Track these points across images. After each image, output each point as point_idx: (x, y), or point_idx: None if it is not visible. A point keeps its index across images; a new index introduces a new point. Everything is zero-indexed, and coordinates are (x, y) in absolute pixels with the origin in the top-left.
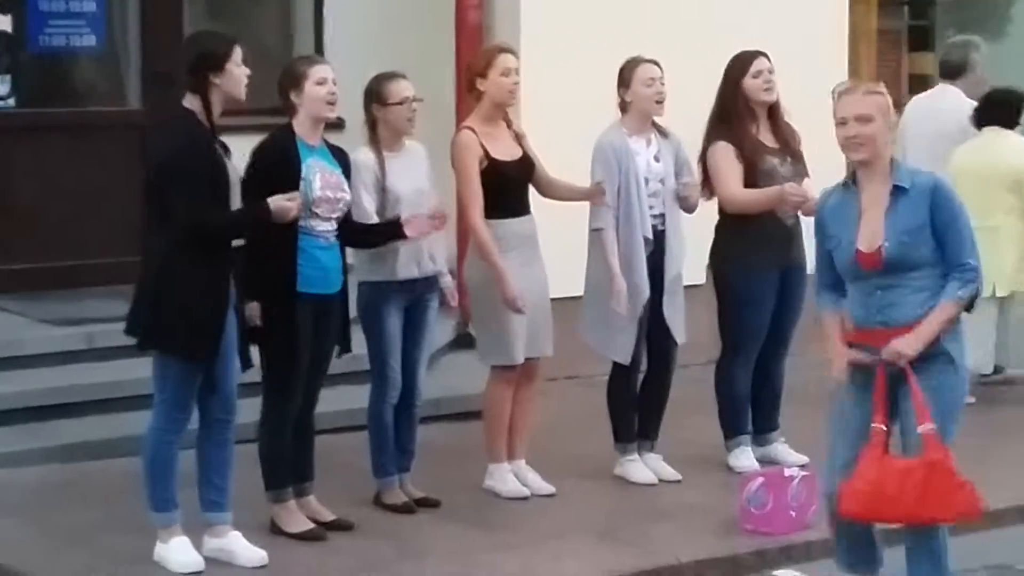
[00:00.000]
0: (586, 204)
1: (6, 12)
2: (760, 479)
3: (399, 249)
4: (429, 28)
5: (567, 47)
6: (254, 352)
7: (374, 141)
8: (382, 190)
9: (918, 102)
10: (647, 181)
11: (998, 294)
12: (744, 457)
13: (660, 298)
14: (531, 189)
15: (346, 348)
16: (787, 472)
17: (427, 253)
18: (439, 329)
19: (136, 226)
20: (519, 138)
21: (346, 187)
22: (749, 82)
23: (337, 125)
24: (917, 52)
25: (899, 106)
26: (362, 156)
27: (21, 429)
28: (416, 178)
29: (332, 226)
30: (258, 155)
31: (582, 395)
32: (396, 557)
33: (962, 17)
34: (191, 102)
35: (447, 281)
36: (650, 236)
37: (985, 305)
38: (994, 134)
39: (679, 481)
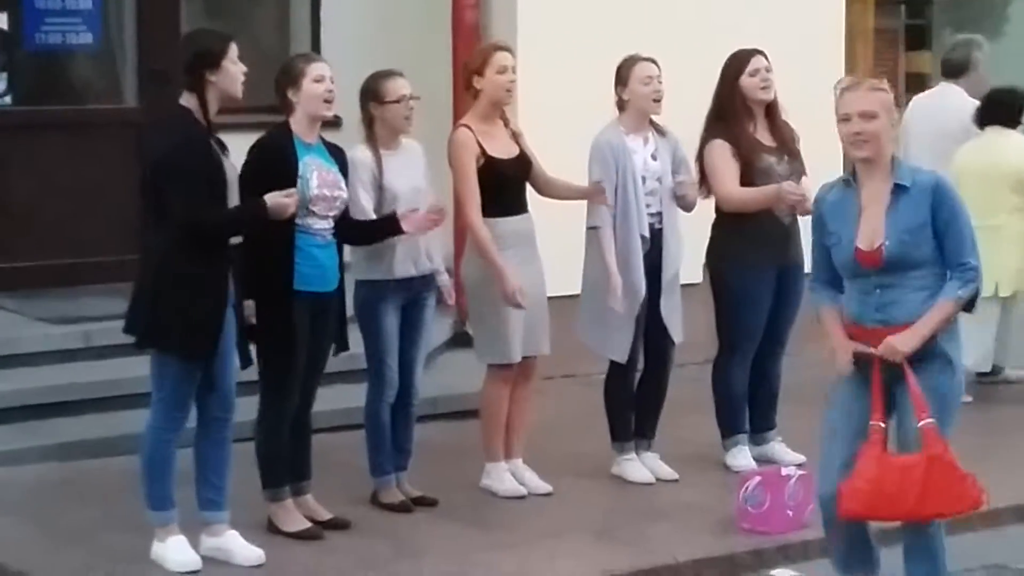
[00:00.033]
0: (583, 203)
1: (2, 10)
2: (757, 478)
3: (396, 247)
4: (426, 27)
5: (564, 46)
6: (253, 350)
7: (371, 139)
8: (379, 188)
9: (920, 101)
10: (644, 180)
11: (1001, 294)
12: (741, 456)
13: (657, 297)
14: (529, 188)
15: (343, 347)
16: (784, 471)
17: (424, 251)
18: (436, 328)
19: (133, 224)
20: (516, 136)
21: (343, 185)
22: (746, 81)
23: (334, 123)
24: (914, 51)
25: (897, 105)
26: (359, 154)
27: (19, 427)
28: (413, 176)
29: (329, 224)
30: (255, 153)
31: (579, 394)
32: (393, 556)
33: (959, 16)
34: (188, 100)
35: (444, 279)
36: (647, 235)
37: (987, 304)
38: (996, 134)
39: (676, 480)
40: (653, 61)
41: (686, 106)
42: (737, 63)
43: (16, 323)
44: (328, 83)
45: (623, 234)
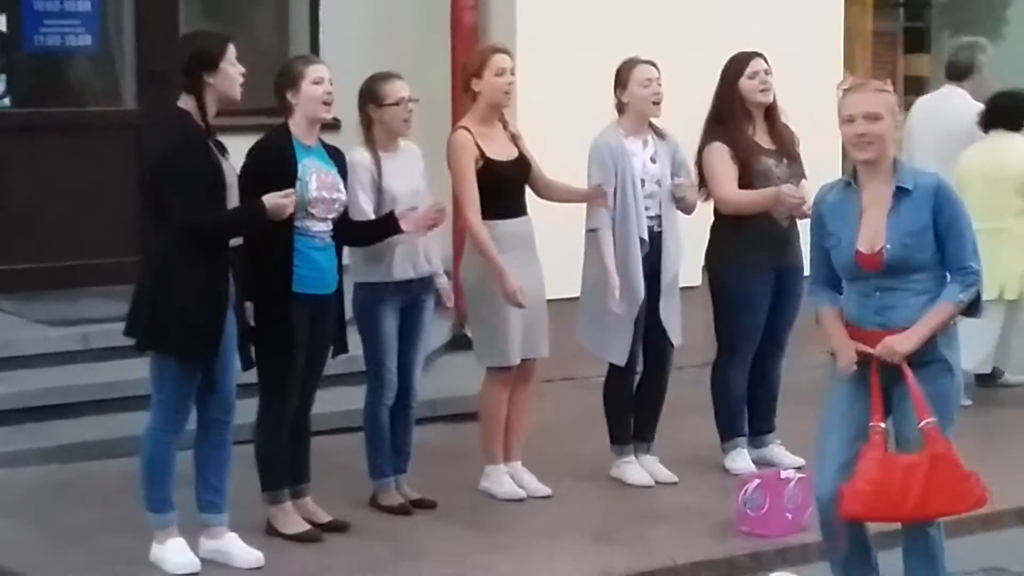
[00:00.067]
0: (583, 206)
1: (1, 11)
2: (756, 481)
3: (395, 250)
4: (424, 29)
5: (563, 48)
6: (253, 352)
7: (370, 141)
8: (378, 190)
9: (924, 103)
10: (643, 182)
11: (1006, 296)
12: (740, 459)
13: (656, 300)
14: (528, 191)
15: (342, 349)
16: (783, 474)
17: (423, 254)
18: (435, 330)
19: (132, 226)
20: (515, 139)
21: (342, 187)
22: (745, 83)
23: (333, 125)
24: (913, 54)
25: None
26: (358, 156)
27: (18, 429)
28: (412, 178)
29: (328, 226)
30: (254, 155)
31: (578, 397)
32: (392, 558)
33: (957, 19)
34: (186, 102)
35: (443, 282)
36: (646, 237)
37: (993, 307)
38: (1001, 137)
39: (675, 483)
40: (652, 64)
41: (685, 109)
42: (736, 66)
43: (15, 325)
44: (327, 85)
45: (622, 237)
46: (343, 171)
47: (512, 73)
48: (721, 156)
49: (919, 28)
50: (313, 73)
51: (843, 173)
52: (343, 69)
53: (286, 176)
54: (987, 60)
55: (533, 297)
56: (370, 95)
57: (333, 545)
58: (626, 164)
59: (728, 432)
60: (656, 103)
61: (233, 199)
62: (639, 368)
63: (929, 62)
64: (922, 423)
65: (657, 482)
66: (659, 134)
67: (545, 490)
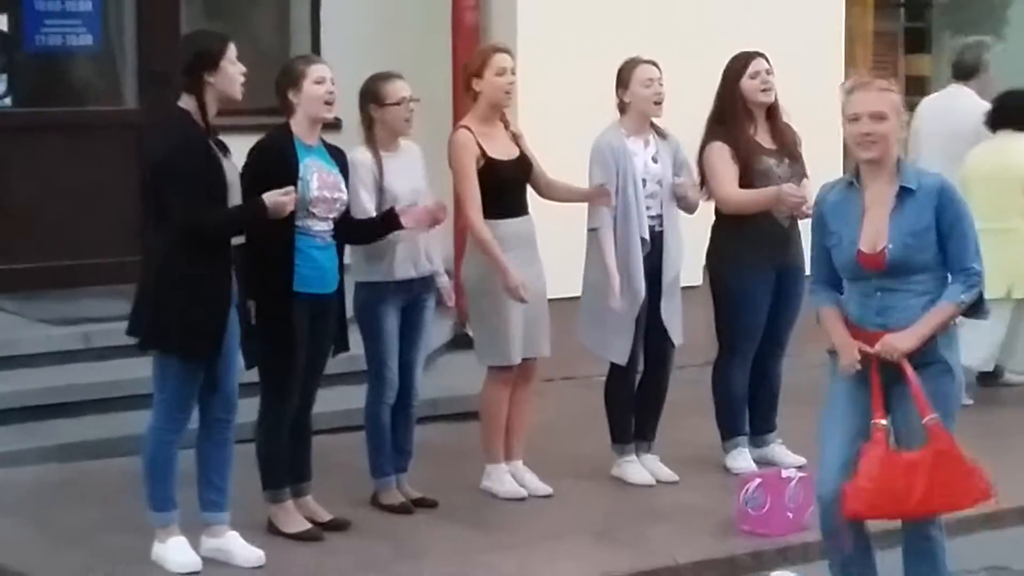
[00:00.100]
0: (584, 205)
1: (2, 11)
2: (757, 480)
3: (396, 249)
4: (425, 29)
5: (564, 48)
6: None
7: (371, 141)
8: (380, 190)
9: (931, 102)
10: (645, 182)
11: (1015, 295)
12: (741, 458)
13: (658, 299)
14: (530, 190)
15: (343, 347)
16: (784, 473)
17: (424, 253)
18: (436, 329)
19: (133, 226)
20: (516, 138)
21: (343, 187)
22: (746, 83)
23: (334, 125)
24: (913, 54)
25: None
26: (359, 155)
27: (18, 429)
28: (413, 178)
29: (329, 226)
30: (256, 155)
31: (579, 396)
32: (393, 557)
33: (959, 19)
34: (187, 102)
35: (444, 281)
36: (647, 237)
37: (1000, 306)
38: (1008, 137)
39: (676, 482)
40: (654, 63)
41: (687, 108)
42: (737, 65)
43: (16, 324)
44: (329, 85)
45: (623, 236)
46: (344, 170)
47: (513, 73)
48: (722, 155)
49: (920, 28)
50: (315, 73)
51: (844, 173)
52: (344, 69)
53: (287, 175)
54: (992, 59)
55: (534, 296)
56: (371, 95)
57: (334, 544)
58: (627, 164)
59: (729, 431)
60: (658, 103)
61: (235, 198)
62: (640, 367)
63: (930, 62)
64: (925, 419)
65: (658, 481)
66: (661, 134)
67: (546, 489)
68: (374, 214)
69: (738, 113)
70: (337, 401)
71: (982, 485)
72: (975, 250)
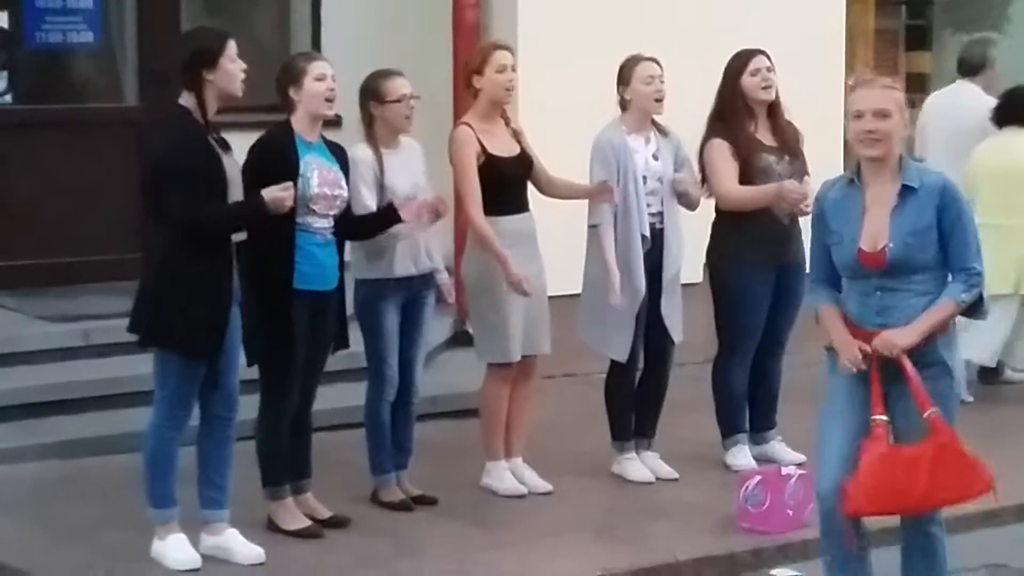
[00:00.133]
0: (585, 202)
1: (3, 8)
2: (757, 477)
3: (396, 246)
4: (426, 27)
5: (564, 46)
6: None
7: (371, 138)
8: (380, 187)
9: (937, 99)
10: (645, 179)
11: (1022, 291)
12: (741, 455)
13: (658, 297)
14: (531, 188)
15: (343, 344)
16: (784, 471)
17: (424, 250)
18: (436, 326)
19: (133, 223)
20: (517, 135)
21: (344, 184)
22: (747, 80)
23: (335, 122)
24: (914, 52)
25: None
26: (360, 152)
27: (18, 425)
28: (413, 175)
29: (329, 223)
30: (256, 152)
31: (580, 393)
32: (393, 554)
33: (959, 17)
34: (186, 99)
35: (443, 278)
36: (648, 234)
37: (1007, 302)
38: (1014, 132)
39: (676, 479)
40: (655, 61)
41: (688, 106)
42: (738, 63)
43: (16, 321)
44: (330, 82)
45: (624, 234)
46: (345, 168)
47: (513, 70)
48: (721, 152)
49: (921, 26)
50: (316, 70)
51: (844, 171)
52: (345, 66)
53: (288, 172)
54: (998, 55)
55: (535, 294)
56: (372, 92)
57: (334, 541)
58: (628, 161)
59: (729, 429)
60: (659, 100)
61: (236, 195)
62: (640, 365)
63: (931, 60)
64: (926, 413)
65: (658, 478)
66: (662, 131)
67: (546, 486)
68: (375, 210)
69: (739, 110)
70: (337, 398)
71: (985, 477)
72: (976, 250)
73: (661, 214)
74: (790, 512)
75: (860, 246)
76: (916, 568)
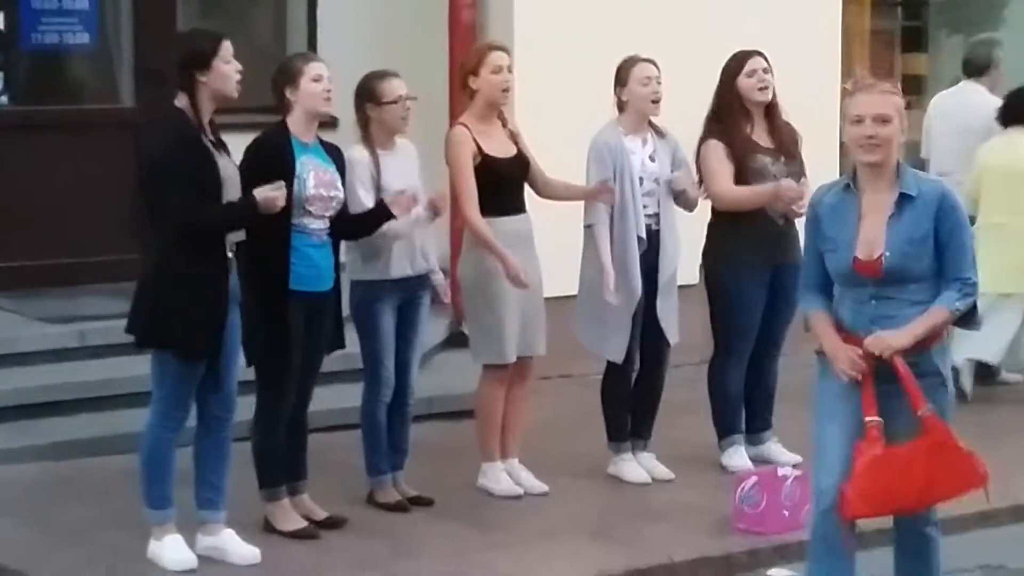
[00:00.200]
0: (581, 204)
1: None
2: (753, 478)
3: (392, 247)
4: (422, 28)
5: (561, 47)
6: None
7: (367, 139)
8: (377, 188)
9: (943, 99)
10: (642, 180)
11: None
12: (737, 456)
13: (654, 298)
14: (528, 189)
15: (338, 344)
16: (780, 471)
17: (420, 251)
18: (432, 328)
19: (130, 224)
20: (514, 136)
21: (340, 185)
22: (743, 81)
23: (330, 124)
24: (910, 53)
25: None
26: (357, 154)
27: (15, 426)
28: (409, 176)
29: (325, 224)
30: (252, 152)
31: (576, 394)
32: (390, 555)
33: (956, 18)
34: (181, 100)
35: (439, 279)
36: (644, 236)
37: (1014, 302)
38: (1019, 132)
39: (672, 480)
40: (652, 62)
41: (685, 107)
42: (735, 64)
43: (13, 322)
44: (326, 82)
45: (620, 235)
46: (341, 169)
47: (509, 70)
48: (716, 153)
49: (917, 27)
50: (312, 70)
51: (841, 173)
52: (341, 67)
53: (284, 173)
54: (1002, 55)
55: (531, 295)
56: (368, 93)
57: (330, 542)
58: (625, 162)
59: (725, 430)
60: (655, 101)
61: (232, 196)
62: (636, 366)
63: (927, 61)
64: (920, 411)
65: (654, 479)
66: (659, 132)
67: (542, 487)
68: None
69: (735, 111)
70: (333, 399)
71: (980, 471)
72: (972, 260)
73: (657, 215)
74: (786, 513)
75: (856, 254)
76: (910, 569)
